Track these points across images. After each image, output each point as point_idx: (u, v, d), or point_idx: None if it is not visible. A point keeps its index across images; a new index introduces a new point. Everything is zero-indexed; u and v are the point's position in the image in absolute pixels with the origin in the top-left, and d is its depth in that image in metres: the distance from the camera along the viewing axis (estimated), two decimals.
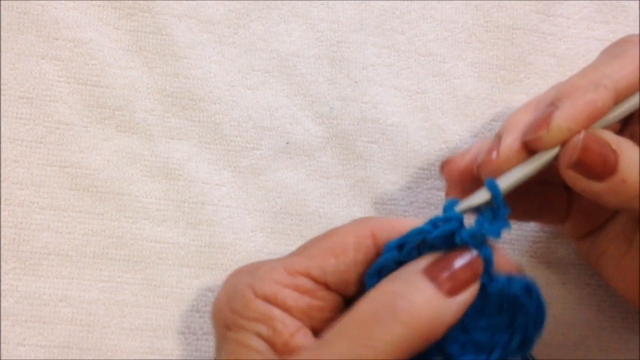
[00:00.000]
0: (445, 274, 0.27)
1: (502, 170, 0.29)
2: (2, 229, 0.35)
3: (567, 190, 0.34)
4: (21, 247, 0.35)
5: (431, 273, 0.27)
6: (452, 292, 0.27)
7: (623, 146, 0.28)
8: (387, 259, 0.28)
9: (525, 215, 0.34)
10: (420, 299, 0.26)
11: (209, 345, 0.36)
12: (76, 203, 0.36)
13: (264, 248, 0.37)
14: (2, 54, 0.37)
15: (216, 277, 0.36)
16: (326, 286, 0.28)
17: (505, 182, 0.29)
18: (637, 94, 0.29)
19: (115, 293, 0.36)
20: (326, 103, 0.38)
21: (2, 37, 0.37)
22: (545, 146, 0.28)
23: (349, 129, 0.38)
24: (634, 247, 0.32)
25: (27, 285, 0.35)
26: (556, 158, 0.29)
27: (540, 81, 0.40)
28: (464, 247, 0.28)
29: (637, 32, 0.41)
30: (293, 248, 0.37)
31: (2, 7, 0.37)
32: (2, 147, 0.36)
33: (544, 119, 0.28)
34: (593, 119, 0.28)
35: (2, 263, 0.35)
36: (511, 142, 0.29)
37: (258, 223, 0.37)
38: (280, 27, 0.39)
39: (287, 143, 0.38)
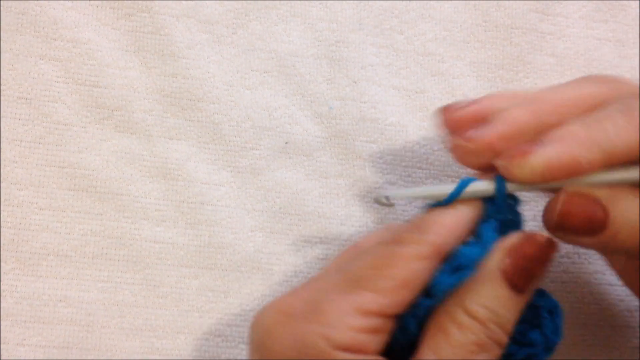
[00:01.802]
0: (524, 277, 0.27)
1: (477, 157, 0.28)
2: (1, 229, 0.35)
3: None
4: (20, 248, 0.35)
5: (512, 280, 0.27)
6: (526, 288, 0.27)
7: (617, 198, 0.27)
8: (467, 277, 0.27)
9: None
10: (504, 312, 0.26)
11: (208, 345, 0.36)
12: (75, 203, 0.36)
13: (263, 248, 0.37)
14: (0, 54, 0.37)
15: (215, 277, 0.36)
16: (394, 316, 0.27)
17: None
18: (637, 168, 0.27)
19: (114, 293, 0.36)
20: (325, 103, 0.38)
21: (0, 38, 0.37)
22: (515, 180, 0.28)
23: (348, 128, 0.38)
24: None
25: (26, 286, 0.35)
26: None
27: (539, 80, 0.40)
28: (531, 233, 0.27)
29: (637, 32, 0.41)
30: (292, 248, 0.37)
31: (0, 8, 0.37)
32: (1, 147, 0.36)
33: (522, 152, 0.27)
34: (573, 175, 0.27)
35: (1, 263, 0.35)
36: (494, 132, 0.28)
37: (257, 223, 0.37)
38: (279, 27, 0.39)
39: (286, 143, 0.38)
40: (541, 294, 0.28)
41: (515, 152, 0.27)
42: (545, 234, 0.28)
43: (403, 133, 0.38)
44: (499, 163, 0.28)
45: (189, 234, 0.37)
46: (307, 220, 0.37)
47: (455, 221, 0.28)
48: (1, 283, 0.35)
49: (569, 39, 0.40)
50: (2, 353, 0.34)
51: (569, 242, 0.28)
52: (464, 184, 0.28)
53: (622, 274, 0.33)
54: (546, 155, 0.27)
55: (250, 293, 0.36)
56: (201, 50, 0.38)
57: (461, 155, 0.29)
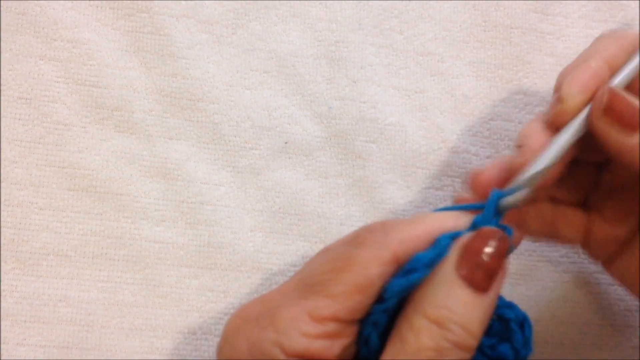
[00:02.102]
0: (479, 271, 0.25)
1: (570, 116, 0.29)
2: (1, 229, 0.35)
3: (583, 208, 0.33)
4: (20, 248, 0.35)
5: (467, 276, 0.25)
6: (487, 286, 0.26)
7: None
8: (418, 279, 0.26)
9: (539, 233, 0.33)
10: (465, 312, 0.25)
11: (208, 345, 0.36)
12: (75, 203, 0.36)
13: (262, 248, 0.37)
14: (0, 54, 0.37)
15: (215, 277, 0.36)
16: (351, 321, 0.26)
17: (543, 161, 0.28)
18: (635, 58, 0.30)
19: (114, 293, 0.36)
20: (325, 103, 0.38)
21: (0, 38, 0.37)
22: (566, 115, 0.29)
23: (347, 128, 0.38)
24: None
25: (26, 286, 0.35)
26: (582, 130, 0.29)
27: (538, 80, 0.40)
28: (487, 228, 0.27)
29: (637, 31, 0.41)
30: (292, 247, 0.37)
31: (0, 8, 0.37)
32: (1, 147, 0.36)
33: (555, 101, 0.29)
34: (595, 78, 0.29)
35: (1, 263, 0.35)
36: (535, 137, 0.29)
37: (257, 223, 0.37)
38: (278, 27, 0.39)
39: (286, 143, 0.38)
40: (510, 306, 0.28)
41: (551, 105, 0.30)
42: (494, 227, 0.27)
43: (403, 133, 0.38)
44: (547, 119, 0.30)
45: (188, 233, 0.37)
46: (306, 220, 0.37)
47: (424, 228, 0.27)
48: (1, 283, 0.35)
49: (568, 38, 0.40)
50: (2, 353, 0.34)
51: (613, 142, 0.28)
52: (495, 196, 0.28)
53: (618, 274, 0.33)
54: (568, 81, 0.29)
55: (250, 293, 0.36)
56: (201, 51, 0.38)
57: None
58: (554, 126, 0.29)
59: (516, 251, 0.38)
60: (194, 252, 0.36)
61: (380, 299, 0.26)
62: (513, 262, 0.38)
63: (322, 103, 0.38)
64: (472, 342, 0.25)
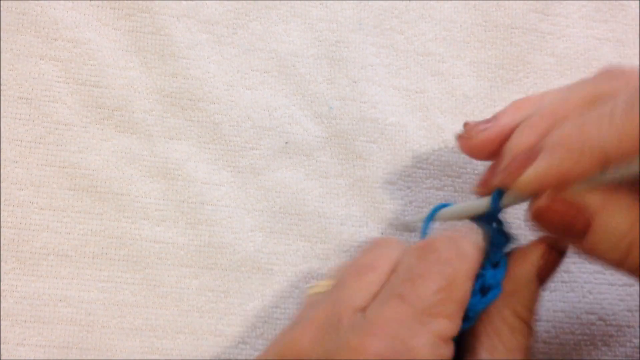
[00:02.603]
0: (550, 274, 0.29)
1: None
2: (1, 229, 0.35)
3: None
4: (20, 248, 0.35)
5: (543, 278, 0.29)
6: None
7: (608, 206, 0.26)
8: (495, 296, 0.28)
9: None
10: (537, 306, 0.28)
11: (208, 345, 0.36)
12: (75, 203, 0.36)
13: (263, 248, 0.37)
14: (1, 54, 0.37)
15: (215, 277, 0.36)
16: None
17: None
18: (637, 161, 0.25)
19: (114, 293, 0.36)
20: (325, 103, 0.38)
21: (1, 38, 0.37)
22: (511, 193, 0.28)
23: (348, 128, 0.38)
24: None
25: (26, 286, 0.35)
26: None
27: (539, 80, 0.40)
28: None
29: (637, 31, 0.41)
30: (292, 247, 0.37)
31: (1, 8, 0.37)
32: (1, 147, 0.36)
33: (517, 167, 0.27)
34: (566, 183, 0.26)
35: (1, 263, 0.35)
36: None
37: (257, 223, 0.37)
38: (279, 27, 0.39)
39: (286, 143, 0.38)
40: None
41: (512, 167, 0.28)
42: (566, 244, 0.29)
43: (403, 133, 0.38)
44: (496, 180, 0.29)
45: (189, 233, 0.37)
46: (307, 220, 0.37)
47: (480, 243, 0.29)
48: (1, 283, 0.35)
49: (569, 38, 0.40)
50: (2, 353, 0.34)
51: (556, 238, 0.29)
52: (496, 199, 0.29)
53: None
54: (538, 170, 0.27)
55: (250, 293, 0.36)
56: (201, 51, 0.38)
57: (466, 148, 0.31)
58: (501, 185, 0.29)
59: None
60: (194, 252, 0.36)
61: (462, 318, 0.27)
62: None
63: (322, 103, 0.38)
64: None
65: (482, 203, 0.29)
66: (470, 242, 0.28)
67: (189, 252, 0.36)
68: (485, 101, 0.39)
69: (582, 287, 0.38)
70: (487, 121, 0.31)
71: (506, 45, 0.40)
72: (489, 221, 0.30)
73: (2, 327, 0.35)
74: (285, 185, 0.37)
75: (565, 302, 0.38)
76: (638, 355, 0.37)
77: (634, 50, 0.41)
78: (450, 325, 0.26)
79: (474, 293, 0.27)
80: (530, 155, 0.27)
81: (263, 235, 0.37)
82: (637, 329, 0.38)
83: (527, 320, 0.28)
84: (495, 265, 0.28)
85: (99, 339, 0.35)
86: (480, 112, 0.39)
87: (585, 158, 0.25)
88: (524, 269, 0.28)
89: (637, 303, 0.38)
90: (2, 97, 0.36)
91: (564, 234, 0.27)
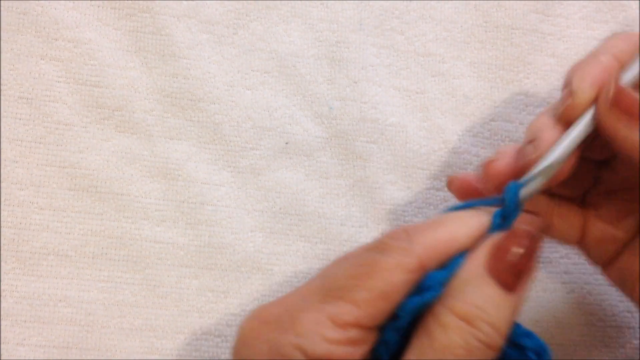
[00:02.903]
0: (510, 271, 0.25)
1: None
2: (1, 229, 0.35)
3: (581, 206, 0.33)
4: (21, 247, 0.35)
5: (497, 275, 0.25)
6: (515, 286, 0.26)
7: None
8: (432, 297, 0.25)
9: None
10: (495, 311, 0.25)
11: (208, 345, 0.36)
12: (75, 203, 0.36)
13: (263, 248, 0.37)
14: (1, 54, 0.37)
15: (215, 277, 0.36)
16: (373, 328, 0.26)
17: (551, 157, 0.28)
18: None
19: (114, 293, 0.36)
20: (325, 103, 0.38)
21: (1, 38, 0.37)
22: (577, 109, 0.29)
23: (348, 129, 0.38)
24: None
25: (26, 286, 0.35)
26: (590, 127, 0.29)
27: (539, 81, 0.40)
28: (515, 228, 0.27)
29: (637, 32, 0.41)
30: (292, 248, 0.37)
31: (1, 8, 0.37)
32: (1, 147, 0.36)
33: (566, 94, 0.29)
34: (605, 73, 0.29)
35: (1, 263, 0.35)
36: (548, 133, 0.29)
37: (257, 223, 0.37)
38: (279, 27, 0.39)
39: (287, 143, 0.38)
40: (529, 335, 0.27)
41: (562, 98, 0.30)
42: (527, 227, 0.27)
43: (403, 133, 0.38)
44: (558, 112, 0.30)
45: (189, 234, 0.37)
46: (307, 221, 0.37)
47: (448, 232, 0.27)
48: (1, 283, 0.35)
49: (569, 39, 0.40)
50: (2, 353, 0.34)
51: (621, 136, 0.28)
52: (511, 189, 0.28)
53: (616, 277, 0.33)
54: (578, 75, 0.29)
55: (250, 293, 0.36)
56: (202, 51, 0.38)
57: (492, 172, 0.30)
58: (565, 120, 0.29)
59: None
60: (194, 252, 0.36)
61: (393, 316, 0.26)
62: None
63: (322, 103, 0.38)
64: (500, 342, 0.25)
65: (565, 145, 0.29)
66: (422, 238, 0.26)
67: (189, 253, 0.36)
68: (485, 102, 0.39)
69: (582, 288, 0.38)
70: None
71: (507, 45, 0.40)
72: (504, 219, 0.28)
73: (2, 327, 0.35)
74: (285, 185, 0.37)
75: (565, 302, 0.38)
76: (638, 356, 0.37)
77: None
78: (352, 311, 0.25)
79: (413, 293, 0.25)
80: (569, 86, 0.29)
81: (263, 235, 0.37)
82: (637, 330, 0.38)
83: (468, 317, 0.25)
84: (444, 267, 0.26)
85: (99, 339, 0.35)
86: (480, 112, 0.39)
87: (603, 57, 0.29)
88: (468, 267, 0.26)
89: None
90: (2, 97, 0.36)
91: (631, 122, 0.28)
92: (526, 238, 0.26)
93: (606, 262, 0.32)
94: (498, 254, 0.26)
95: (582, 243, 0.33)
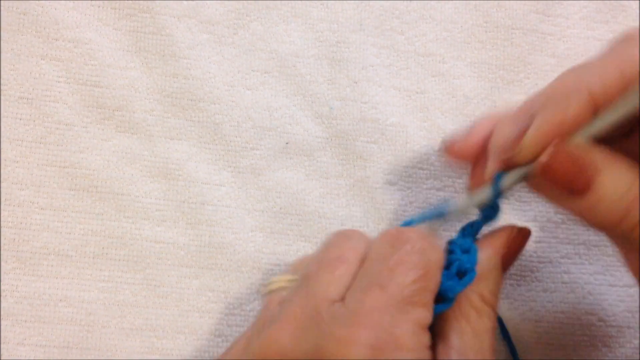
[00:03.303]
0: (512, 262, 0.30)
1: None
2: (2, 229, 0.35)
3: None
4: (21, 247, 0.35)
5: (505, 265, 0.30)
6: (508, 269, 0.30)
7: (609, 165, 0.26)
8: (472, 279, 0.29)
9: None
10: (499, 291, 0.30)
11: (208, 345, 0.36)
12: (76, 203, 0.36)
13: (263, 248, 0.37)
14: (2, 54, 0.37)
15: (216, 277, 0.36)
16: None
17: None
18: (634, 95, 0.26)
19: (115, 293, 0.36)
20: (326, 103, 0.38)
21: (2, 38, 0.37)
22: (519, 164, 0.28)
23: (348, 129, 0.38)
24: None
25: (26, 285, 0.35)
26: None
27: (539, 81, 0.40)
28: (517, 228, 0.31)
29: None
30: (293, 248, 0.37)
31: (1, 8, 0.37)
32: (2, 147, 0.36)
33: (517, 138, 0.27)
34: (566, 131, 0.26)
35: (2, 263, 0.35)
36: (493, 164, 0.29)
37: (257, 223, 0.37)
38: (279, 27, 0.39)
39: (287, 143, 0.38)
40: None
41: (512, 141, 0.28)
42: (527, 226, 0.31)
43: (403, 133, 0.38)
44: (502, 157, 0.28)
45: (189, 233, 0.37)
46: (307, 221, 0.37)
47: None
48: (2, 283, 0.35)
49: (569, 39, 0.40)
50: (2, 352, 0.34)
51: (556, 203, 0.28)
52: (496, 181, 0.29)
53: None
54: (535, 127, 0.27)
55: (250, 293, 0.36)
56: (202, 51, 0.38)
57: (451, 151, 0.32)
58: (507, 165, 0.28)
59: None
60: (194, 252, 0.36)
61: (439, 300, 0.28)
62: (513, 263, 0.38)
63: (323, 103, 0.38)
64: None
65: (483, 192, 0.30)
66: (435, 234, 0.30)
67: (190, 252, 0.36)
68: (485, 102, 0.39)
69: (583, 288, 0.38)
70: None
71: (507, 46, 0.40)
72: (491, 209, 0.31)
73: (2, 326, 0.35)
74: (285, 185, 0.37)
75: (565, 303, 0.38)
76: (638, 356, 0.37)
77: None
78: (426, 314, 0.27)
79: (450, 277, 0.28)
80: (525, 122, 0.27)
81: (263, 235, 0.37)
82: (637, 330, 0.38)
83: (492, 304, 0.29)
84: (466, 252, 0.29)
85: (99, 338, 0.35)
86: (480, 112, 0.39)
87: (574, 102, 0.26)
88: (489, 255, 0.29)
89: (637, 304, 0.38)
90: (2, 97, 0.36)
91: (566, 191, 0.27)
92: (528, 236, 0.31)
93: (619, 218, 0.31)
94: (510, 251, 0.30)
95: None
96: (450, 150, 0.32)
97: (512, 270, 0.38)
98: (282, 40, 0.39)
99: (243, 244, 0.37)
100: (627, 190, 0.26)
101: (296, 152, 0.38)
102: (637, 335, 0.38)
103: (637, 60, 0.26)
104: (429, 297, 0.27)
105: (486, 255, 0.29)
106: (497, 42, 0.40)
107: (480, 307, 0.28)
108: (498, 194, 0.29)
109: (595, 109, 0.27)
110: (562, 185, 0.26)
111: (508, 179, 0.29)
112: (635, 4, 0.41)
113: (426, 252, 0.27)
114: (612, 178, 0.26)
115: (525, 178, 0.28)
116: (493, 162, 0.29)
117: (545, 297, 0.38)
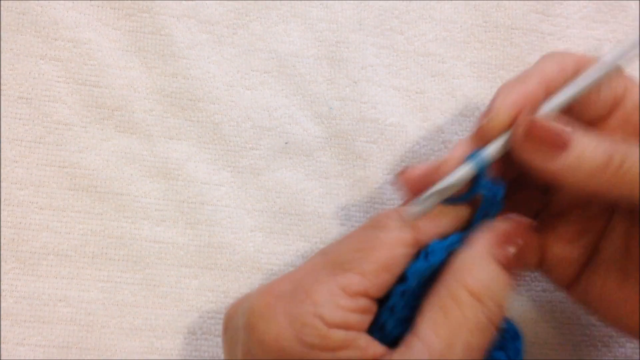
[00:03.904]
0: (512, 255, 0.28)
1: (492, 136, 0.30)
2: (1, 229, 0.35)
3: (537, 231, 0.32)
4: (20, 247, 0.35)
5: (499, 257, 0.28)
6: (512, 266, 0.28)
7: (577, 125, 0.28)
8: (437, 261, 0.28)
9: None
10: (498, 290, 0.27)
11: (208, 345, 0.36)
12: (75, 203, 0.36)
13: (263, 248, 0.37)
14: (1, 54, 0.37)
15: (215, 277, 0.36)
16: (376, 299, 0.28)
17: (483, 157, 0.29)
18: (574, 83, 0.29)
19: (114, 293, 0.36)
20: (325, 103, 0.38)
21: (1, 38, 0.37)
22: (490, 132, 0.29)
23: (348, 129, 0.38)
24: (630, 274, 0.30)
25: (26, 285, 0.35)
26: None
27: None
28: (518, 219, 0.29)
29: (637, 32, 0.41)
30: (292, 248, 0.37)
31: (1, 8, 0.37)
32: (1, 147, 0.36)
33: (486, 111, 0.29)
34: (527, 99, 0.29)
35: (1, 263, 0.35)
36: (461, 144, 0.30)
37: (257, 223, 0.37)
38: (279, 27, 0.39)
39: (286, 143, 0.38)
40: (507, 321, 0.30)
41: (481, 116, 0.30)
42: (526, 219, 0.30)
43: (403, 133, 0.38)
44: (473, 130, 0.30)
45: (189, 233, 0.37)
46: (307, 221, 0.37)
47: (438, 217, 0.29)
48: (1, 283, 0.35)
49: (569, 39, 0.40)
50: (2, 352, 0.34)
51: (538, 167, 0.28)
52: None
53: (622, 319, 0.31)
54: (499, 98, 0.29)
55: None
56: (201, 51, 0.38)
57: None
58: (478, 140, 0.29)
59: None
60: (194, 252, 0.36)
61: (400, 279, 0.28)
62: None
63: (322, 103, 0.38)
64: (501, 319, 0.28)
65: (464, 171, 0.29)
66: (407, 213, 0.29)
67: (189, 252, 0.36)
68: (485, 102, 0.39)
69: None
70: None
71: (506, 45, 0.40)
72: (475, 188, 0.30)
73: (2, 326, 0.35)
74: (285, 185, 0.37)
75: (565, 302, 0.38)
76: (638, 356, 0.37)
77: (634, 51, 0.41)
78: (361, 282, 0.27)
79: (419, 259, 0.28)
80: (490, 106, 0.29)
81: (263, 235, 0.37)
82: None
83: (481, 296, 0.27)
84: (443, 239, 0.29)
85: (99, 338, 0.35)
86: (480, 112, 0.39)
87: (530, 79, 0.29)
88: (475, 247, 0.28)
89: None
90: (2, 97, 0.36)
91: (552, 147, 0.27)
92: (527, 229, 0.29)
93: (568, 284, 0.32)
94: (504, 239, 0.29)
95: (542, 266, 0.32)
96: (403, 176, 0.31)
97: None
98: (281, 40, 0.39)
99: (242, 244, 0.37)
100: (603, 140, 0.27)
101: (296, 152, 0.38)
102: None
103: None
104: (370, 268, 0.27)
105: (475, 244, 0.28)
106: (496, 42, 0.40)
107: (461, 297, 0.27)
108: (482, 168, 0.29)
109: (547, 94, 0.29)
110: (545, 144, 0.28)
111: (489, 150, 0.29)
112: (635, 4, 0.41)
113: (382, 227, 0.28)
114: (589, 134, 0.28)
115: (506, 147, 0.29)
116: (465, 142, 0.30)
117: (545, 297, 0.38)
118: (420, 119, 0.39)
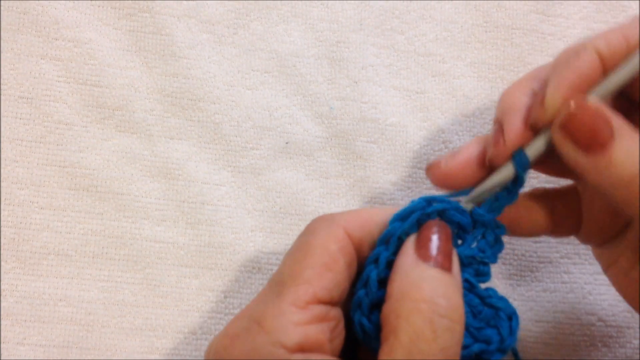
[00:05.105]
0: (437, 253, 0.27)
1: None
2: (2, 228, 0.35)
3: (579, 203, 0.32)
4: (21, 247, 0.35)
5: (427, 258, 0.27)
6: (449, 266, 0.27)
7: (625, 130, 0.26)
8: (395, 229, 0.28)
9: (536, 229, 0.32)
10: (442, 288, 0.26)
11: (208, 345, 0.36)
12: (76, 203, 0.36)
13: (263, 248, 0.37)
14: (2, 54, 0.37)
15: (215, 277, 0.36)
16: (331, 303, 0.27)
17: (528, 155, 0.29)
18: (635, 56, 0.27)
19: (114, 293, 0.36)
20: (325, 103, 0.38)
21: (2, 37, 0.37)
22: (547, 123, 0.28)
23: (348, 128, 0.38)
24: None
25: (26, 285, 0.35)
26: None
27: None
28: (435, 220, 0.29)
29: (637, 32, 0.41)
30: None
31: (2, 7, 0.37)
32: (2, 146, 0.36)
33: (539, 99, 0.28)
34: (583, 83, 0.27)
35: (2, 263, 0.35)
36: (514, 126, 0.29)
37: (257, 223, 0.37)
38: (279, 27, 0.39)
39: (287, 143, 0.38)
40: (502, 299, 0.29)
41: (535, 104, 0.28)
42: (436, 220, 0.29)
43: (403, 133, 0.38)
44: (531, 121, 0.28)
45: (189, 233, 0.37)
46: (307, 221, 0.37)
47: (366, 211, 0.29)
48: (1, 282, 0.35)
49: (569, 39, 0.40)
50: (2, 352, 0.34)
51: (567, 157, 0.27)
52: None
53: (620, 289, 0.32)
54: (553, 84, 0.27)
55: (250, 293, 0.36)
56: (202, 50, 0.38)
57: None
58: (534, 129, 0.28)
59: (517, 252, 0.38)
60: (194, 252, 0.36)
61: (360, 271, 0.28)
62: (513, 263, 0.38)
63: (323, 103, 0.38)
64: (460, 314, 0.26)
65: (507, 171, 0.29)
66: (344, 215, 0.28)
67: (189, 252, 0.36)
68: (485, 102, 0.39)
69: (582, 288, 0.38)
70: (453, 152, 0.31)
71: (507, 46, 0.40)
72: (514, 187, 0.30)
73: (2, 326, 0.35)
74: (285, 185, 0.37)
75: (565, 302, 0.38)
76: (638, 356, 0.37)
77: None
78: (306, 289, 0.26)
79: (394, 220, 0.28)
80: (539, 86, 0.28)
81: (263, 235, 0.37)
82: (637, 330, 0.38)
83: (427, 297, 0.26)
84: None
85: (99, 338, 0.35)
86: (480, 112, 0.39)
87: (584, 58, 0.27)
88: (402, 254, 0.27)
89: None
90: (2, 97, 0.36)
91: (586, 144, 0.26)
92: (436, 226, 0.28)
93: (593, 244, 0.32)
94: (421, 241, 0.27)
95: (579, 231, 0.32)
96: (436, 170, 0.31)
97: (512, 270, 0.38)
98: (282, 40, 0.39)
99: (243, 244, 0.37)
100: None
101: (296, 152, 0.38)
102: (637, 335, 0.38)
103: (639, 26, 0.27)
104: (310, 273, 0.26)
105: (401, 255, 0.27)
106: (497, 42, 0.40)
107: (407, 310, 0.25)
108: (525, 167, 0.28)
109: (604, 68, 0.27)
110: (580, 139, 0.26)
111: (532, 148, 0.28)
112: (635, 4, 0.41)
113: (311, 234, 0.28)
114: (628, 139, 0.26)
115: (549, 144, 0.28)
116: (512, 128, 0.29)
117: (545, 297, 0.38)
118: (420, 119, 0.39)
